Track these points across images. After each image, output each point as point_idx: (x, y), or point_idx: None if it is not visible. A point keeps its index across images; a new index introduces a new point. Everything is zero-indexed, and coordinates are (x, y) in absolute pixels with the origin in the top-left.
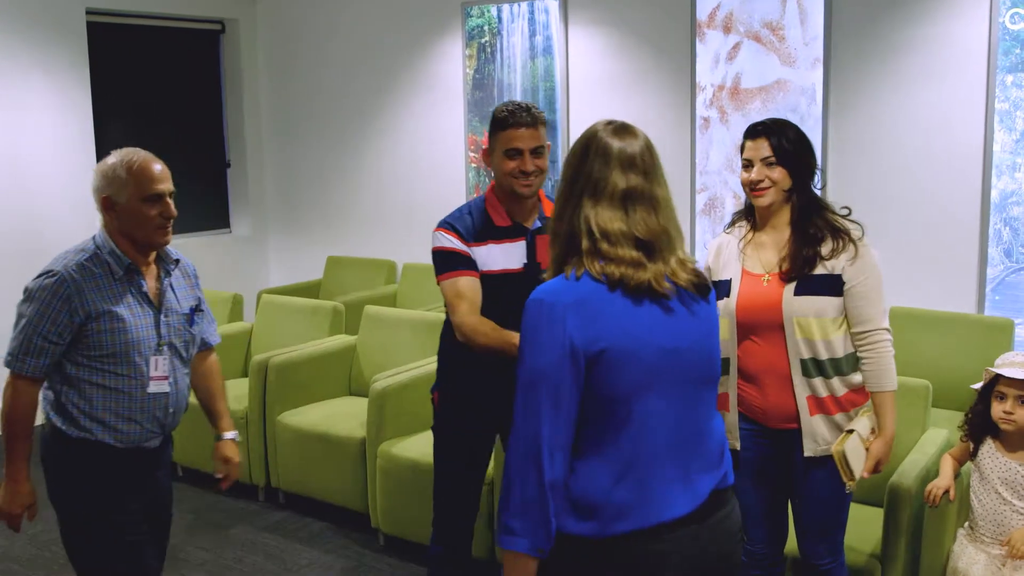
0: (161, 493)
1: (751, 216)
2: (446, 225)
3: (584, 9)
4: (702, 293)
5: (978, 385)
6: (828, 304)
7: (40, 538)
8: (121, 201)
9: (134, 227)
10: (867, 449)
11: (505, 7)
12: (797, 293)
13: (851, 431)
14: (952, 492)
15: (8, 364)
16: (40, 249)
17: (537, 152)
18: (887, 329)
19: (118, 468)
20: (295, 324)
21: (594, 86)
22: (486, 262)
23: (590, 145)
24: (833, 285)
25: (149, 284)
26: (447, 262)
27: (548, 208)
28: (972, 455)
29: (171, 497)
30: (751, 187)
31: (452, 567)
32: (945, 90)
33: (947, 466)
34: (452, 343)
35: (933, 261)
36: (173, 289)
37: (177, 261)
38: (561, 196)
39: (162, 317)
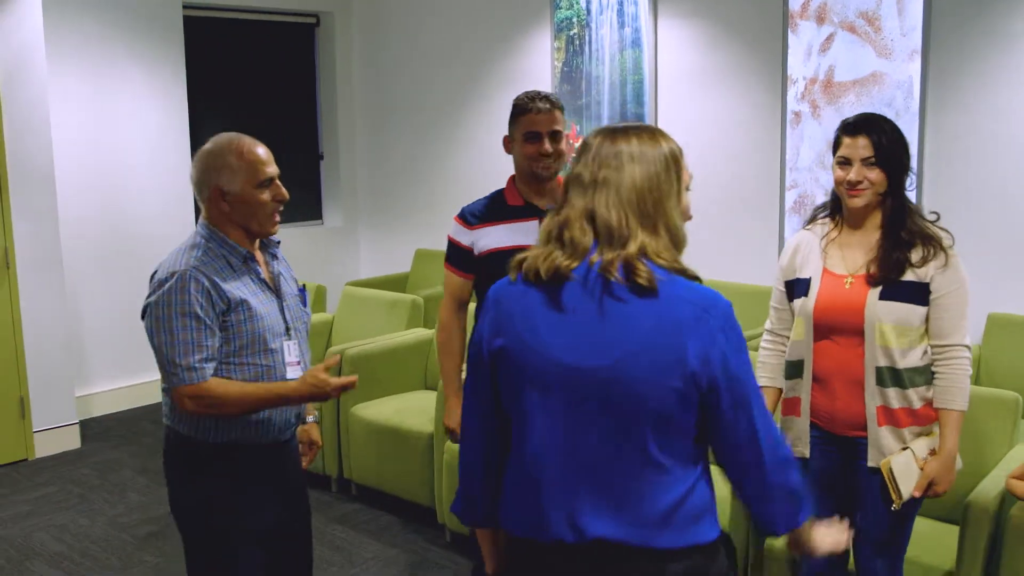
0: (297, 489)
1: (837, 214)
2: (459, 212)
3: (674, 1)
4: (641, 293)
5: None
6: (912, 312)
7: (119, 520)
8: (234, 190)
9: (248, 215)
10: (921, 469)
11: None
12: (883, 298)
13: (906, 448)
14: None
15: (179, 381)
16: (131, 246)
17: (555, 136)
18: (967, 346)
19: (257, 467)
20: (375, 316)
21: (683, 79)
22: (496, 239)
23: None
24: (920, 293)
25: (263, 270)
26: (449, 252)
27: None
28: None
29: (304, 487)
30: (848, 187)
31: None
32: None
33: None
34: None
35: None
36: (283, 273)
37: (279, 244)
38: None
39: (283, 302)
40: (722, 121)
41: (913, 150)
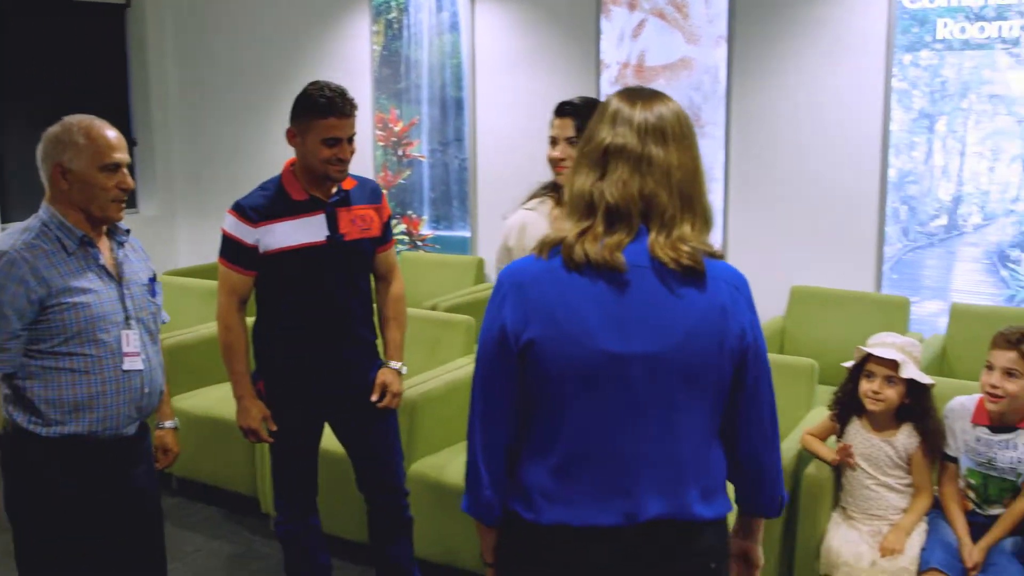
0: (141, 491)
1: (555, 191)
2: (236, 207)
3: None
4: (690, 277)
5: (849, 364)
6: None
7: None
8: (76, 169)
9: (88, 199)
10: None
11: None
12: None
13: None
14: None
15: None
16: None
17: (351, 140)
18: None
19: (95, 465)
20: (194, 306)
21: (500, 63)
22: (283, 238)
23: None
24: None
25: (105, 256)
26: (227, 248)
27: (347, 182)
28: (839, 435)
29: (157, 493)
30: (553, 164)
31: (301, 534)
32: (845, 69)
33: (818, 443)
34: (266, 334)
35: (833, 239)
36: (130, 259)
37: (128, 231)
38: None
39: (124, 290)
40: (538, 104)
41: (720, 132)
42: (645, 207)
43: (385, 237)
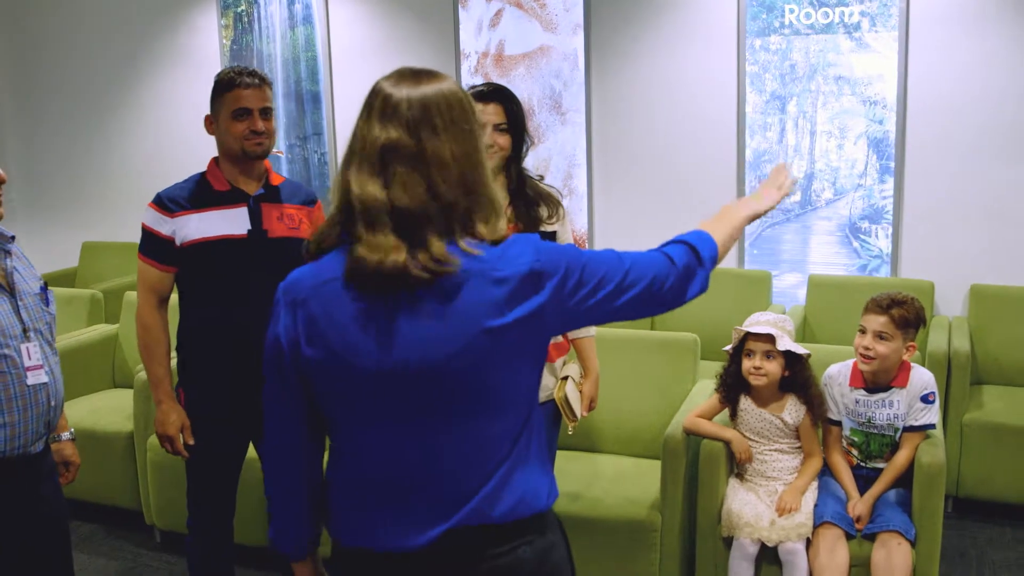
0: (50, 509)
1: None
2: (155, 198)
3: None
4: (440, 291)
5: (729, 347)
6: None
7: None
8: None
9: None
10: (580, 391)
11: None
12: None
13: (566, 377)
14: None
15: None
16: None
17: (266, 112)
18: None
19: (5, 486)
20: None
21: (357, 55)
22: (200, 229)
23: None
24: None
25: None
26: (145, 242)
27: (274, 178)
28: (732, 415)
29: (65, 511)
30: None
31: (212, 557)
32: (700, 53)
33: (710, 426)
34: (187, 339)
35: (696, 218)
36: (18, 270)
37: (12, 238)
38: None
39: (18, 302)
40: None
41: (581, 118)
42: (436, 207)
43: None
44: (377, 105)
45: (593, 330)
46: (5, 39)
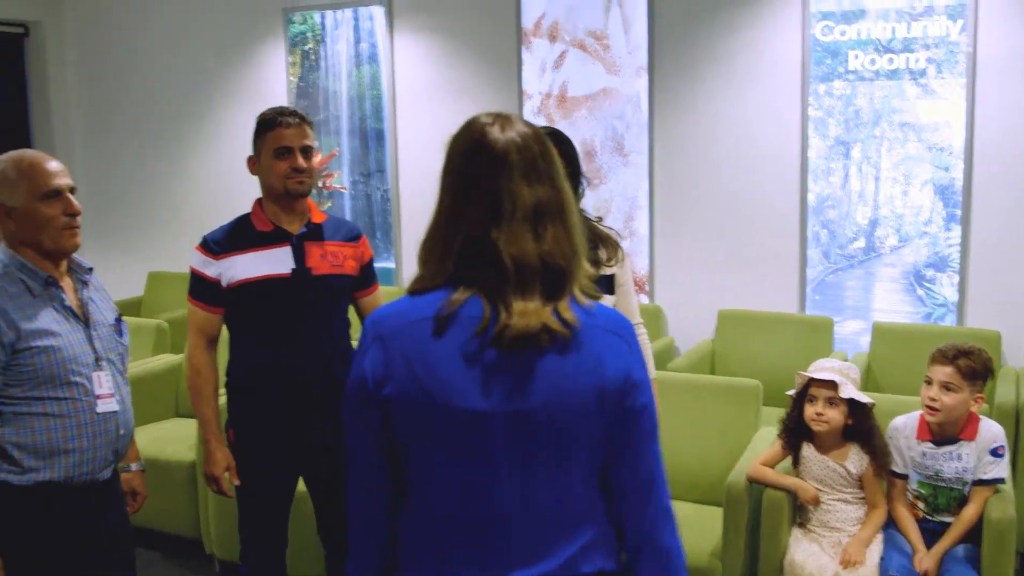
0: (116, 537)
1: None
2: (201, 242)
3: (410, 16)
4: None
5: (792, 392)
6: (607, 303)
7: None
8: (16, 205)
9: (37, 232)
10: None
11: (329, 13)
12: None
13: None
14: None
15: None
16: None
17: (307, 151)
18: (643, 323)
19: (72, 512)
20: None
21: (421, 94)
22: (246, 269)
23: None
24: (610, 285)
25: (70, 297)
26: (193, 285)
27: (317, 215)
28: (794, 462)
29: (130, 535)
30: None
31: None
32: (763, 98)
33: (774, 474)
34: (235, 378)
35: (757, 263)
36: (94, 300)
37: (90, 270)
38: (443, 208)
39: (92, 331)
40: None
41: (644, 160)
42: (576, 263)
43: (366, 280)
44: (516, 162)
45: (653, 372)
46: (84, 73)
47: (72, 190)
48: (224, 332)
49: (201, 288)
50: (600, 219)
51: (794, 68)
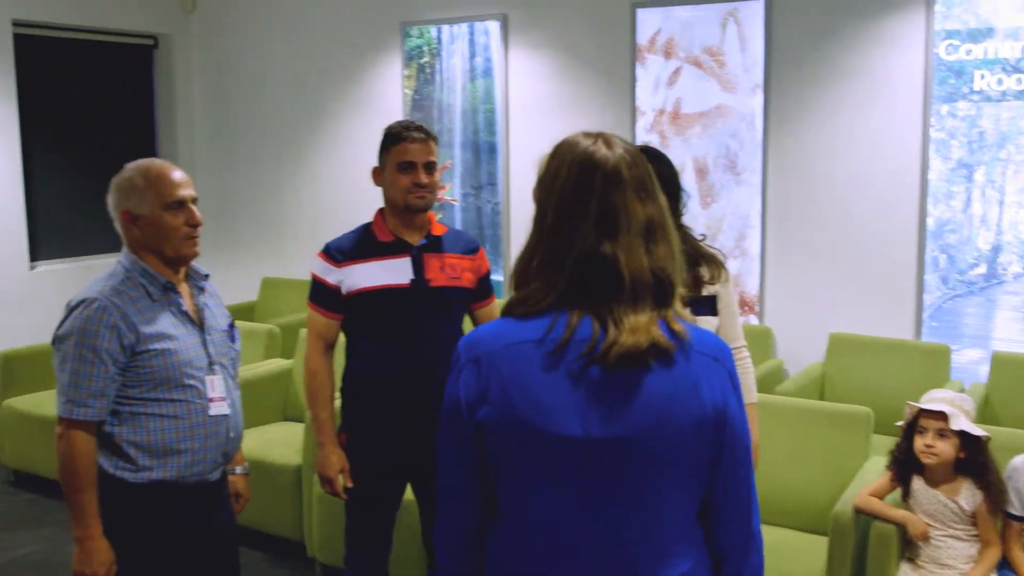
0: (224, 537)
1: None
2: (323, 248)
3: (524, 31)
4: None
5: (902, 423)
6: (710, 324)
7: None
8: (143, 212)
9: (160, 240)
10: None
11: (445, 28)
12: (693, 314)
13: None
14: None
15: (65, 413)
16: None
17: (430, 166)
18: (746, 345)
19: (182, 511)
20: None
21: (534, 108)
22: (366, 278)
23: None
24: (713, 306)
25: (186, 303)
26: (314, 291)
27: (437, 228)
28: (904, 495)
29: (236, 535)
30: None
31: None
32: (883, 118)
33: (883, 506)
34: (350, 383)
35: (871, 287)
36: (209, 306)
37: (207, 276)
38: (545, 227)
39: (207, 336)
40: None
41: (757, 179)
42: (653, 279)
43: (483, 292)
44: (629, 179)
45: (755, 395)
46: (208, 84)
47: (195, 200)
48: (342, 338)
49: (321, 294)
50: (704, 237)
51: (916, 88)
